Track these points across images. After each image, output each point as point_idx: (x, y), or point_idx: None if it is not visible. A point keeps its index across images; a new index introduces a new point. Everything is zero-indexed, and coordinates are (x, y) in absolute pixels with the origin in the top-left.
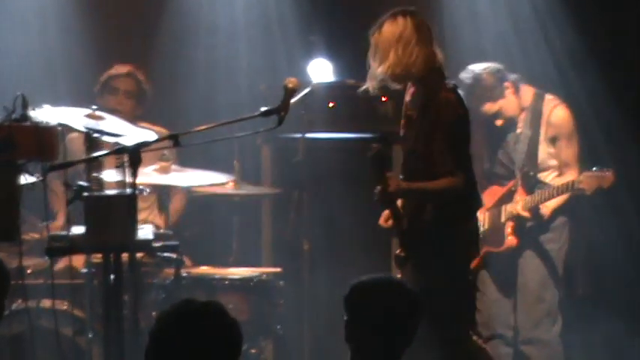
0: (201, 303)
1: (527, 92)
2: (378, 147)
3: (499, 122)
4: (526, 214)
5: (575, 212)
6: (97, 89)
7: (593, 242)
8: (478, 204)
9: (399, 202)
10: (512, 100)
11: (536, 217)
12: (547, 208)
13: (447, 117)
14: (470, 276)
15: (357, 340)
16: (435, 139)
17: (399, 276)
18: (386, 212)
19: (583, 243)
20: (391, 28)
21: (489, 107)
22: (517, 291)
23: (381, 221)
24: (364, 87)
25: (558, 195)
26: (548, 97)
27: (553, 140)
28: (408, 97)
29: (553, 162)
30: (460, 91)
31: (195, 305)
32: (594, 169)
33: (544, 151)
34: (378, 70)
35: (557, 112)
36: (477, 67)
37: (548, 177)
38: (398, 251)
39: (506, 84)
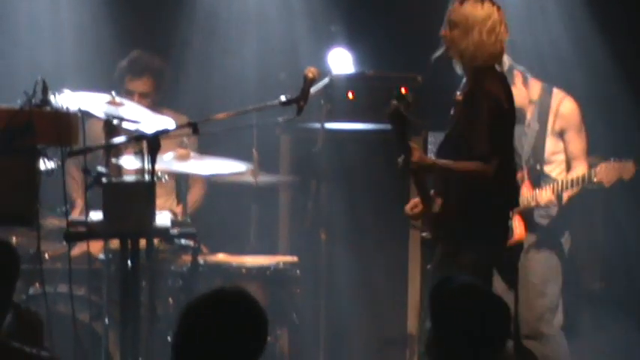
0: (232, 291)
1: (535, 86)
2: (397, 105)
3: None
4: (553, 199)
5: (586, 207)
6: (116, 81)
7: (607, 238)
8: (511, 200)
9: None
10: (522, 90)
11: (546, 210)
12: (564, 195)
13: (488, 105)
14: (492, 270)
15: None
16: (472, 126)
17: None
18: (414, 200)
19: (594, 237)
20: (477, 9)
21: None
22: (520, 285)
23: (408, 208)
24: (438, 53)
25: (574, 187)
26: (556, 91)
27: (561, 133)
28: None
29: (560, 157)
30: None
31: (226, 293)
32: (612, 159)
33: (551, 144)
34: (460, 43)
35: (565, 104)
36: None
37: (554, 171)
38: (425, 234)
39: (515, 72)
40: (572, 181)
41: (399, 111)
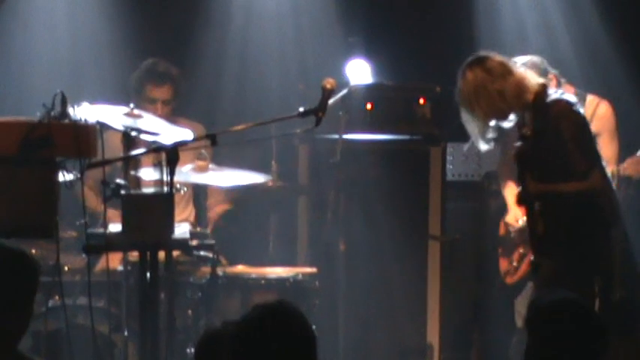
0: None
1: (568, 91)
2: (523, 146)
3: None
4: None
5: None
6: (133, 90)
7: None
8: (615, 206)
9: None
10: None
11: None
12: None
13: (568, 128)
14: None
15: None
16: (563, 153)
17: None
18: (515, 213)
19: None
20: (466, 86)
21: None
22: None
23: (511, 220)
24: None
25: None
26: (590, 97)
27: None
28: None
29: None
30: (570, 97)
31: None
32: (638, 153)
33: None
34: (473, 129)
35: (602, 107)
36: (521, 58)
37: None
38: (532, 258)
39: (550, 75)
40: None
41: (525, 150)
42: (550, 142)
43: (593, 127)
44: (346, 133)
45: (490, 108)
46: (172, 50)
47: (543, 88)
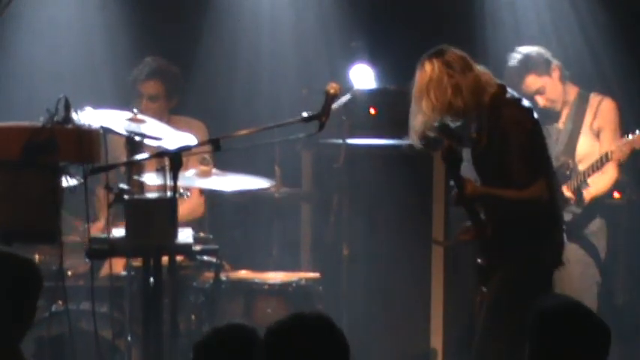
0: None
1: (571, 90)
2: (449, 144)
3: (541, 101)
4: (570, 195)
5: (616, 219)
6: (129, 87)
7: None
8: (558, 213)
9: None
10: (557, 84)
11: (576, 207)
12: (588, 193)
13: (516, 134)
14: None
15: None
16: (509, 158)
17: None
18: (464, 226)
19: (623, 251)
20: (422, 77)
21: (533, 80)
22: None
23: (458, 234)
24: (409, 142)
25: (595, 170)
26: (593, 95)
27: (598, 133)
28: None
29: (594, 158)
30: (526, 102)
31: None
32: (624, 137)
33: (587, 143)
34: (417, 122)
35: (605, 102)
36: (525, 48)
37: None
38: (479, 260)
39: (553, 65)
40: (591, 166)
41: (453, 149)
42: (497, 145)
43: (596, 123)
44: (349, 137)
45: (440, 102)
46: (178, 55)
47: (501, 89)
